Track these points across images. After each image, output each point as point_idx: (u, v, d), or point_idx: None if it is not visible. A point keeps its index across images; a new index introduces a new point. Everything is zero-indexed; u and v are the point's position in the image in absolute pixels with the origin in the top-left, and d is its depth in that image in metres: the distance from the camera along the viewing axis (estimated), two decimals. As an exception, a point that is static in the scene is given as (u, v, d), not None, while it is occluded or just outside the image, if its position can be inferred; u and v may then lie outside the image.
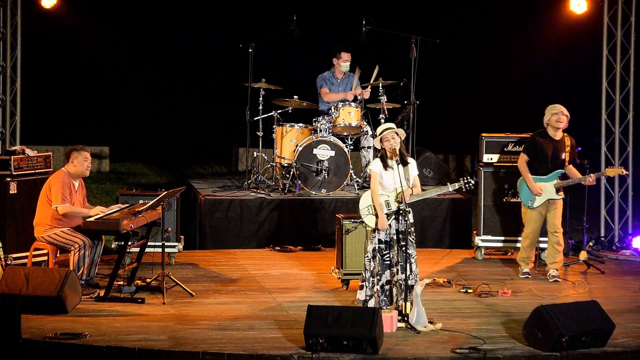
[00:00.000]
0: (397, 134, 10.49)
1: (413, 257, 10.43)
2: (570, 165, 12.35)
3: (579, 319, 9.52)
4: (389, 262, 10.51)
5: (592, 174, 12.33)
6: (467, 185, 10.73)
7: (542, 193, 12.23)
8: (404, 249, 10.40)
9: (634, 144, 14.65)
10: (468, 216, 14.57)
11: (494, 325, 10.33)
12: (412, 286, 10.24)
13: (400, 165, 10.45)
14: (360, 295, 10.69)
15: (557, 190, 12.25)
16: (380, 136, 10.52)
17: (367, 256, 10.61)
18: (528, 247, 12.44)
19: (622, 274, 13.00)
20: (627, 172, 12.65)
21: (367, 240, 10.73)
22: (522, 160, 12.36)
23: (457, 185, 10.75)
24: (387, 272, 10.51)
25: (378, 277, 10.50)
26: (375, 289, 10.52)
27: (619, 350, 9.55)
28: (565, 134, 12.31)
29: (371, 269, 10.54)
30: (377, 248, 10.52)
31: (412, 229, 10.50)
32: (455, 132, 17.78)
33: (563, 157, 12.26)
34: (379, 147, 10.59)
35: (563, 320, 9.41)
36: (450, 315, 10.66)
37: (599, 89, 14.72)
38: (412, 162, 10.64)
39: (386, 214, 10.50)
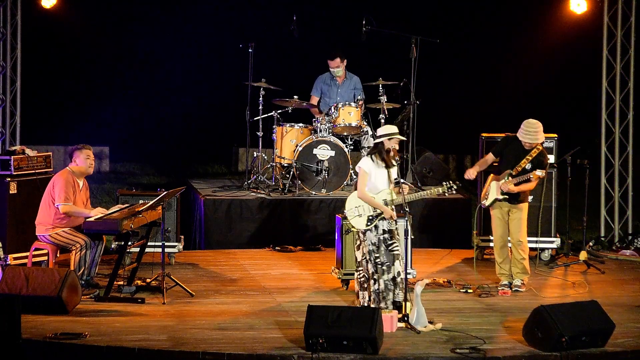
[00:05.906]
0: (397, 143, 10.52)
1: (400, 257, 10.40)
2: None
3: (579, 319, 9.53)
4: (380, 264, 10.45)
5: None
6: (449, 190, 10.59)
7: (474, 173, 11.64)
8: (390, 248, 10.38)
9: (634, 144, 14.66)
10: (468, 216, 14.56)
11: (494, 325, 10.34)
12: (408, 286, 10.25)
13: (388, 168, 10.45)
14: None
15: (503, 193, 11.56)
16: (391, 135, 10.45)
17: (364, 258, 10.50)
18: (500, 262, 11.87)
19: (622, 274, 13.00)
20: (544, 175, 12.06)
21: (355, 244, 10.63)
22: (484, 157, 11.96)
23: (441, 190, 10.59)
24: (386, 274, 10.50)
25: (376, 278, 10.48)
26: (376, 289, 10.50)
27: (619, 350, 9.55)
28: (539, 148, 11.61)
29: (369, 270, 10.48)
30: (370, 250, 10.44)
31: (397, 228, 10.47)
32: (455, 132, 17.77)
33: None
34: (379, 141, 10.46)
35: (563, 320, 9.41)
36: (450, 315, 10.66)
37: (599, 89, 14.72)
38: (396, 167, 10.58)
39: (371, 216, 10.39)
